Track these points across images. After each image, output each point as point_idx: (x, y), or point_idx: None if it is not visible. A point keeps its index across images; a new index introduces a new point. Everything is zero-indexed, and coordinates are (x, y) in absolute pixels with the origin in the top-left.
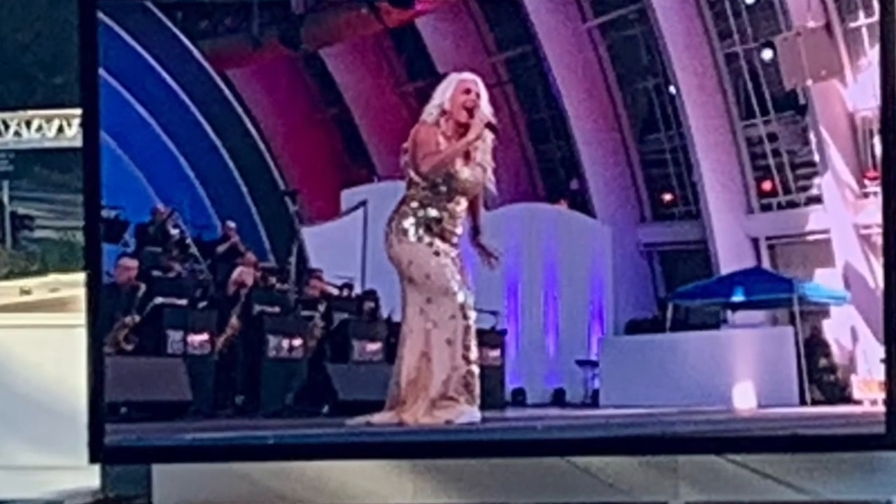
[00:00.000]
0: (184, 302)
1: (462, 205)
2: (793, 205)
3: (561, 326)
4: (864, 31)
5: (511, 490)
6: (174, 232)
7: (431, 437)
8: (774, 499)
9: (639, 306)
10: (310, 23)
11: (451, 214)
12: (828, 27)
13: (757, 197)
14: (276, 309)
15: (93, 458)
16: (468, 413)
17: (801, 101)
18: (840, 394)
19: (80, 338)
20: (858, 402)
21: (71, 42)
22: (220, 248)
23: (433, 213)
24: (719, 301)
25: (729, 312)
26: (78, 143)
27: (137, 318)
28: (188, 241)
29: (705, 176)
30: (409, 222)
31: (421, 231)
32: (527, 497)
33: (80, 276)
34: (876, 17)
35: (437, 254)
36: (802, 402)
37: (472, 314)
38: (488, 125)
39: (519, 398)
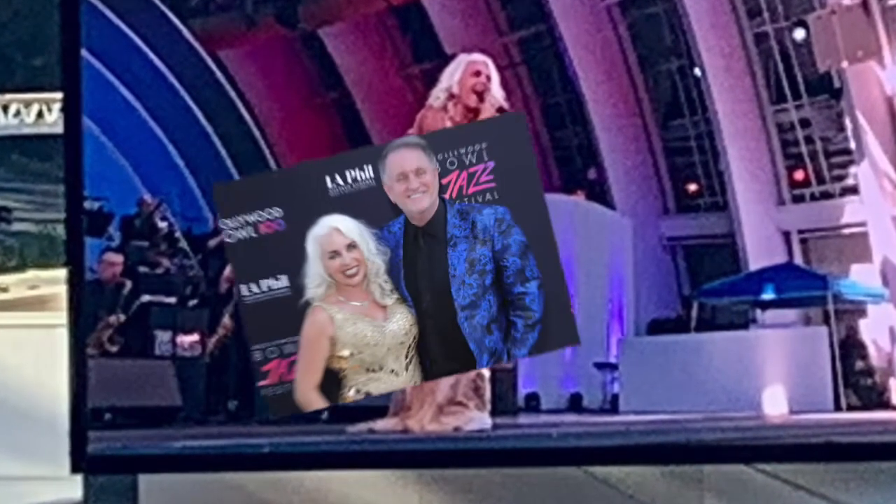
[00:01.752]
0: (173, 300)
1: None
2: (827, 196)
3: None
4: None
5: (524, 501)
6: (162, 225)
7: (439, 445)
8: None
9: (661, 305)
10: (308, 0)
11: None
12: (865, 5)
13: (788, 187)
14: None
15: (75, 468)
16: (478, 419)
17: (836, 84)
18: (878, 399)
19: (62, 338)
20: None
21: (52, 21)
22: (212, 243)
23: None
24: (748, 299)
25: (758, 311)
26: (59, 129)
27: (123, 318)
28: (177, 234)
29: (733, 165)
30: None
31: None
32: None
33: (61, 273)
34: None
35: None
36: (837, 408)
37: None
38: (500, 110)
39: (533, 403)
